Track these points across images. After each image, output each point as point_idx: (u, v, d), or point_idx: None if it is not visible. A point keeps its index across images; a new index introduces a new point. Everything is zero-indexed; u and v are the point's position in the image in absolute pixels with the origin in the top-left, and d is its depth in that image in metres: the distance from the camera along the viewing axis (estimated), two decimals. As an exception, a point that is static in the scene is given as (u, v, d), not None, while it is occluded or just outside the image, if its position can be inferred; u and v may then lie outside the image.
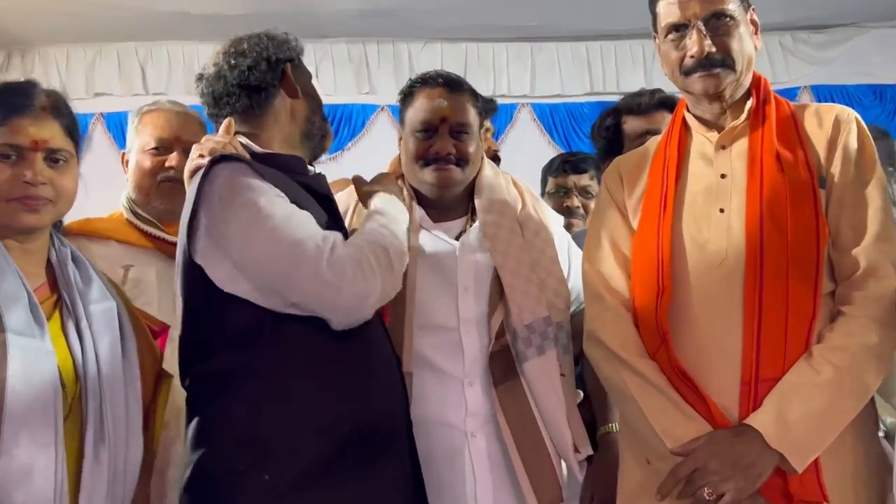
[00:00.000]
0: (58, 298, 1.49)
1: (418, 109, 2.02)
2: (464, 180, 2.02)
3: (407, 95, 2.08)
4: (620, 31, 5.74)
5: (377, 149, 5.53)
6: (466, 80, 2.11)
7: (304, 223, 1.58)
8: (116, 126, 5.79)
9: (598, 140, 2.54)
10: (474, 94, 2.08)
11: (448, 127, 1.98)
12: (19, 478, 1.32)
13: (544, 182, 2.98)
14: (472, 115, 2.04)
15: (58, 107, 1.53)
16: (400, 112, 2.10)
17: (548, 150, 5.83)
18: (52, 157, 1.48)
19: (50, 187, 1.46)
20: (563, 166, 2.94)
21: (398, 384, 1.72)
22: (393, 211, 1.77)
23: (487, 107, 2.20)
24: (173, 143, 2.18)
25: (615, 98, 6.27)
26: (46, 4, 5.17)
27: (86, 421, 1.43)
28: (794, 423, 1.55)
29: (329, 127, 1.92)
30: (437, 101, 2.00)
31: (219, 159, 1.63)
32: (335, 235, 1.59)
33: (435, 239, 2.02)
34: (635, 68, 5.85)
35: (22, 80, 1.54)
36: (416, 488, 1.72)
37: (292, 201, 1.62)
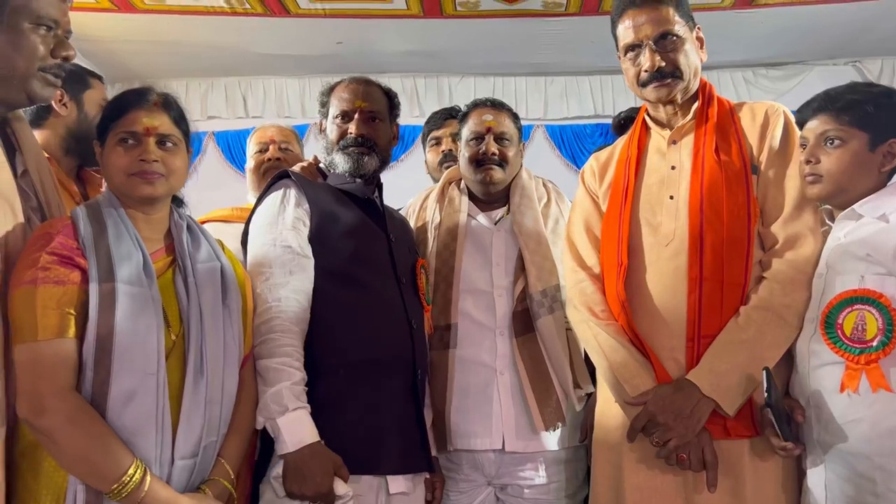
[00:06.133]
0: (173, 259, 1.45)
1: (471, 124, 2.03)
2: (503, 179, 2.01)
3: (463, 115, 2.09)
4: (615, 68, 5.73)
5: (423, 161, 5.63)
6: None
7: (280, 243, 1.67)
8: (223, 141, 5.93)
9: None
10: (513, 114, 2.08)
11: (493, 135, 2.00)
12: (126, 399, 1.28)
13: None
14: (512, 128, 2.04)
15: (168, 102, 1.47)
16: (460, 129, 2.10)
17: (558, 163, 5.83)
18: (163, 141, 1.43)
19: (161, 164, 1.41)
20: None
21: (401, 329, 1.76)
22: None
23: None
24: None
25: (611, 121, 6.24)
26: (171, 48, 5.27)
27: (187, 355, 1.37)
28: (724, 374, 1.50)
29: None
30: (485, 116, 2.02)
31: (284, 174, 1.81)
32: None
33: (479, 224, 2.03)
34: (627, 96, 5.80)
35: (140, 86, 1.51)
36: (414, 401, 1.77)
37: (325, 202, 1.75)
